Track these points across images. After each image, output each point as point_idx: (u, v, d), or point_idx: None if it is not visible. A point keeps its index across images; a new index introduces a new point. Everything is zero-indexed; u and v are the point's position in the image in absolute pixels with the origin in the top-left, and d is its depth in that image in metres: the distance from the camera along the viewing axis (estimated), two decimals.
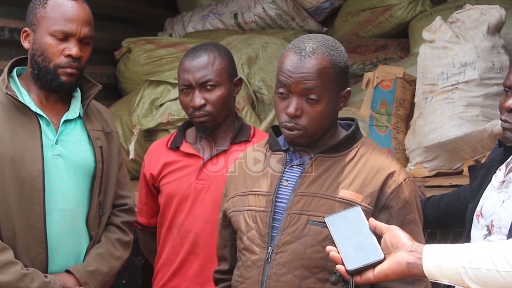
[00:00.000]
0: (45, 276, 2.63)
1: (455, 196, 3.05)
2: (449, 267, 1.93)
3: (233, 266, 2.54)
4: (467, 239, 2.55)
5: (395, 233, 2.04)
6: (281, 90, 2.36)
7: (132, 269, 3.83)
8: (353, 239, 2.07)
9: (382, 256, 2.01)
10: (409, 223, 2.35)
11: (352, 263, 2.03)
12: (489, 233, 2.37)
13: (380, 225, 2.07)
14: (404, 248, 1.99)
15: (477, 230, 2.47)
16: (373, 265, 2.02)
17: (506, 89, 2.54)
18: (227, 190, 2.57)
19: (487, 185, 2.55)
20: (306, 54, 2.34)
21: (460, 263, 1.92)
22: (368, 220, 2.10)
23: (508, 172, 2.46)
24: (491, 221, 2.37)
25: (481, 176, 2.62)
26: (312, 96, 2.33)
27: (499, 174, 2.49)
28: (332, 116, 2.41)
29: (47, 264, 2.68)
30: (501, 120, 2.52)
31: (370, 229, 2.08)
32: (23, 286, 2.57)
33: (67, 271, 2.71)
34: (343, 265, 2.04)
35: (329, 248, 2.09)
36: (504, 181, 2.41)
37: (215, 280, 2.68)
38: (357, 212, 2.13)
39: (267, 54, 5.13)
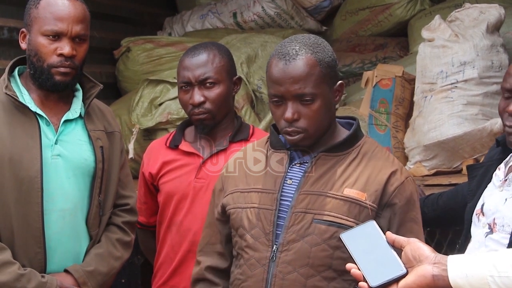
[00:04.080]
0: (42, 276, 2.63)
1: (454, 194, 3.05)
2: (476, 277, 1.91)
3: (230, 264, 2.54)
4: (466, 238, 2.55)
5: (416, 245, 2.02)
6: (274, 98, 2.37)
7: (131, 268, 3.83)
8: (372, 254, 2.04)
9: (405, 270, 1.99)
10: (410, 221, 2.39)
11: (375, 279, 2.00)
12: (491, 231, 2.36)
13: (399, 239, 2.05)
14: (428, 261, 1.97)
15: (478, 228, 2.46)
16: (396, 280, 1.99)
17: (506, 93, 2.51)
18: (223, 185, 2.55)
19: (486, 184, 2.54)
20: (291, 58, 2.34)
21: (488, 272, 1.90)
22: (385, 234, 2.08)
23: (509, 171, 2.45)
24: (494, 219, 2.36)
25: (479, 175, 2.61)
26: (306, 98, 2.34)
27: (499, 173, 2.48)
28: (330, 113, 2.42)
29: (45, 264, 2.67)
30: (505, 125, 2.49)
31: (388, 243, 2.05)
32: (20, 286, 2.57)
33: (66, 271, 2.71)
34: (366, 281, 2.00)
35: (349, 265, 2.06)
36: (506, 180, 2.40)
37: (202, 277, 2.59)
38: (373, 227, 2.09)
39: (266, 53, 5.13)
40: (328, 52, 2.40)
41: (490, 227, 2.38)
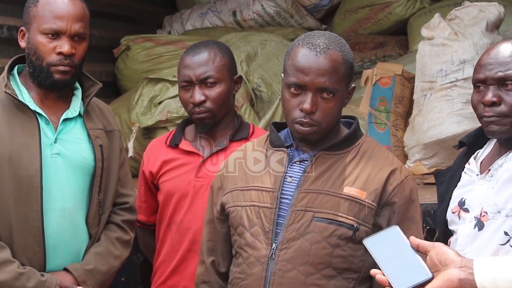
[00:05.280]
0: (42, 275, 2.62)
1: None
2: (504, 280, 1.91)
3: (227, 267, 2.55)
4: (444, 240, 2.52)
5: (441, 249, 2.01)
6: (294, 86, 2.36)
7: (131, 266, 3.82)
8: (397, 259, 2.03)
9: (430, 275, 1.98)
10: (409, 220, 2.39)
11: (400, 285, 1.99)
12: (479, 221, 2.33)
13: (423, 243, 2.04)
14: (454, 265, 1.97)
15: (460, 225, 2.40)
16: (422, 285, 1.98)
17: (478, 84, 2.42)
18: (222, 183, 2.55)
19: (454, 186, 2.52)
20: (321, 50, 2.35)
21: None
22: (408, 238, 2.06)
23: (485, 165, 2.43)
24: (481, 209, 2.34)
25: (447, 180, 2.58)
26: (328, 93, 2.35)
27: (471, 167, 2.45)
28: (340, 112, 2.44)
29: (45, 263, 2.67)
30: (482, 116, 2.40)
31: (412, 247, 2.04)
32: (19, 285, 2.57)
33: (65, 270, 2.71)
34: (391, 287, 2.00)
35: (374, 271, 2.06)
36: (489, 170, 2.38)
37: (207, 280, 2.61)
38: (396, 232, 2.08)
39: (266, 52, 5.13)
40: (351, 53, 2.43)
41: (476, 218, 2.36)
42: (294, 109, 2.37)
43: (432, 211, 3.53)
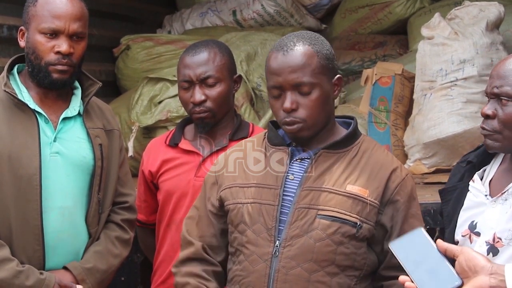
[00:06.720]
0: (41, 273, 2.63)
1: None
2: None
3: (225, 258, 2.53)
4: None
5: (470, 255, 1.98)
6: (273, 90, 2.39)
7: (131, 266, 3.82)
8: (425, 264, 2.00)
9: (460, 282, 1.96)
10: (412, 217, 2.41)
11: None
12: (492, 246, 2.27)
13: (451, 247, 2.01)
14: (484, 271, 1.95)
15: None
16: None
17: (486, 95, 2.43)
18: (217, 180, 2.55)
19: (461, 206, 2.48)
20: (288, 49, 2.37)
21: None
22: (435, 242, 2.04)
23: (497, 185, 2.39)
24: (494, 234, 2.28)
25: (454, 198, 2.53)
26: (304, 87, 2.36)
27: (477, 186, 2.41)
28: (328, 106, 2.43)
29: (44, 261, 2.68)
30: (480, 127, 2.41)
31: (440, 252, 2.02)
32: (18, 283, 2.58)
33: (65, 268, 2.72)
34: None
35: (402, 278, 2.04)
36: (504, 193, 2.34)
37: (199, 257, 2.53)
38: (422, 235, 2.06)
39: (265, 51, 5.12)
40: (325, 45, 2.43)
41: (489, 243, 2.29)
42: (278, 111, 2.39)
43: (432, 211, 3.53)
